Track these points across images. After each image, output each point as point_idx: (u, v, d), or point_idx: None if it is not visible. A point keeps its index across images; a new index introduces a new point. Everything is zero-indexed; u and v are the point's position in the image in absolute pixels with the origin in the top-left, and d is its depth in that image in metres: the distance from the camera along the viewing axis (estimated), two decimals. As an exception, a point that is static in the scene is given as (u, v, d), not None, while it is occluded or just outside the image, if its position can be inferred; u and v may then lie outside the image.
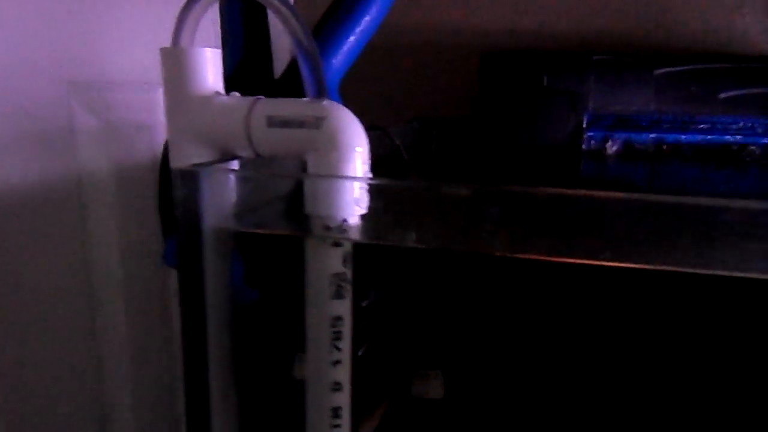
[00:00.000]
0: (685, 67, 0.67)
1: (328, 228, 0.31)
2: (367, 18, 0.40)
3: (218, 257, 0.32)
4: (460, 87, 0.87)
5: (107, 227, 0.70)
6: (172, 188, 0.34)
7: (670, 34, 0.82)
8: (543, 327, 0.54)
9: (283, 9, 0.31)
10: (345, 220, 0.31)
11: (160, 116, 0.77)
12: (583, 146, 0.68)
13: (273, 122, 0.32)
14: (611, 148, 0.69)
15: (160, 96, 0.77)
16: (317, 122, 0.31)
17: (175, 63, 0.33)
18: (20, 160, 0.57)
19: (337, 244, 0.32)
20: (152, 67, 0.74)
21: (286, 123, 0.31)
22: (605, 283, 0.50)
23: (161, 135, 0.77)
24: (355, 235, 0.32)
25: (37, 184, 0.60)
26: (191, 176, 0.31)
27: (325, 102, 0.32)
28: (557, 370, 0.53)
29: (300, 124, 0.31)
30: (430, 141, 0.79)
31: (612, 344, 0.52)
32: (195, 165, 0.32)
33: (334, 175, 0.30)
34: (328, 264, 0.32)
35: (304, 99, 0.32)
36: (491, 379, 0.57)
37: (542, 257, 0.31)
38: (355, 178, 0.31)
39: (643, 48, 0.82)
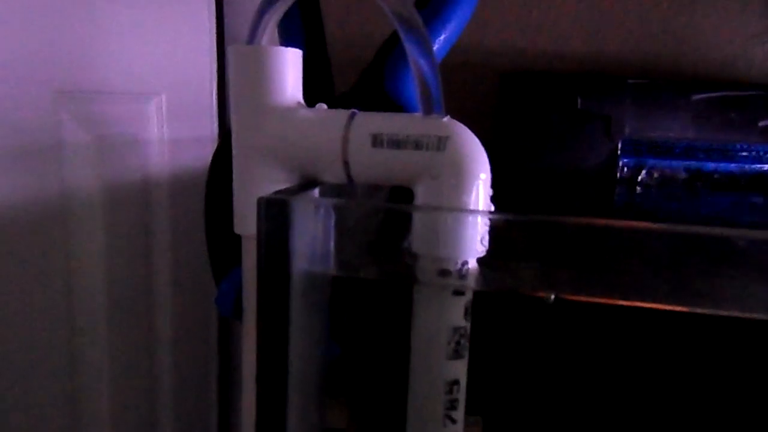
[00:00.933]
0: (723, 93, 0.64)
1: (446, 272, 0.25)
2: (442, 36, 0.34)
3: (308, 308, 0.25)
4: (477, 107, 0.83)
5: (93, 246, 0.62)
6: (225, 221, 0.28)
7: (690, 59, 0.80)
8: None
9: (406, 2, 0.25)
10: (466, 263, 0.25)
11: (153, 129, 0.69)
12: (618, 173, 0.65)
13: (379, 141, 0.26)
14: (645, 175, 0.65)
15: (153, 108, 0.70)
16: (439, 143, 0.25)
17: (250, 64, 0.27)
18: (3, 174, 0.49)
19: (458, 292, 0.26)
20: (145, 77, 0.67)
21: (397, 143, 0.25)
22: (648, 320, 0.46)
23: (154, 149, 0.70)
24: (474, 280, 0.26)
25: (21, 199, 0.52)
26: (280, 207, 0.24)
27: (446, 118, 0.26)
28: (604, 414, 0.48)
29: (416, 144, 0.25)
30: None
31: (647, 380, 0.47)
32: (282, 193, 0.25)
33: (467, 209, 0.24)
34: (446, 316, 0.26)
35: (417, 114, 0.26)
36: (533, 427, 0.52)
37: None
38: (487, 213, 0.25)
39: (665, 72, 0.79)
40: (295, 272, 0.25)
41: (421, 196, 0.26)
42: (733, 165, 0.64)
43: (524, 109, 0.68)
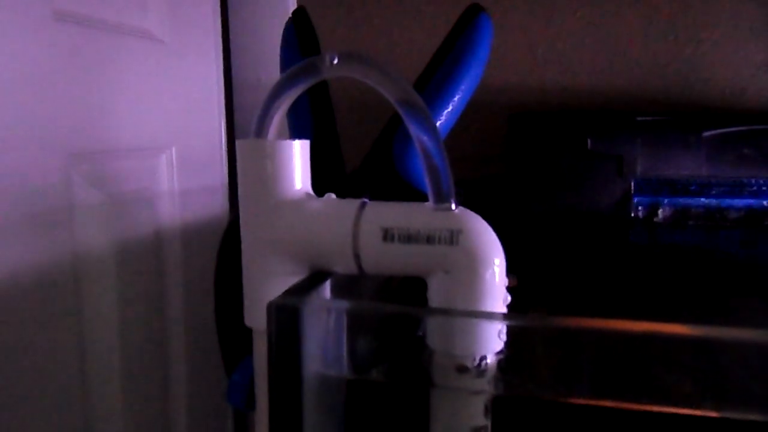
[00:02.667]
0: (734, 129, 0.63)
1: (463, 369, 0.25)
2: (459, 94, 0.34)
3: (323, 409, 0.25)
4: (484, 146, 0.82)
5: (106, 304, 0.62)
6: (235, 311, 0.27)
7: (697, 91, 0.79)
8: None
9: (400, 81, 0.24)
10: (484, 358, 0.25)
11: (163, 184, 0.69)
12: (632, 213, 0.64)
13: (390, 236, 0.25)
14: (661, 214, 0.64)
15: (162, 163, 0.70)
16: (452, 237, 0.24)
17: (259, 159, 0.27)
18: (17, 238, 0.50)
19: (477, 391, 0.25)
20: (155, 132, 0.68)
21: (408, 238, 0.25)
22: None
23: (164, 205, 0.70)
24: (493, 376, 0.25)
25: (34, 262, 0.52)
26: (289, 312, 0.24)
27: (458, 210, 0.25)
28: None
29: (428, 239, 0.25)
30: (460, 204, 0.73)
31: None
32: (292, 295, 0.25)
33: (481, 312, 0.24)
34: (466, 416, 0.25)
35: (427, 204, 0.26)
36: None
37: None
38: (505, 315, 0.24)
39: (673, 105, 0.79)
40: (307, 375, 0.24)
41: (434, 289, 0.25)
42: (749, 200, 0.63)
43: (534, 149, 0.67)
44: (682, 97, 0.79)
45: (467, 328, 0.24)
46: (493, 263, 0.25)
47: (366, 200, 0.27)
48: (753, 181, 0.63)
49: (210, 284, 0.44)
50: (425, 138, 0.24)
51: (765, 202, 0.63)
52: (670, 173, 0.63)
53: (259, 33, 0.87)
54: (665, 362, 0.21)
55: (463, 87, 0.34)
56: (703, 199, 0.64)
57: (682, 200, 0.64)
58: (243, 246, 0.28)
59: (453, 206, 0.26)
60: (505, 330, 0.25)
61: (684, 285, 0.61)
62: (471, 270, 0.24)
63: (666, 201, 0.64)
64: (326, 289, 0.27)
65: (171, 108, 0.70)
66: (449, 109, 0.34)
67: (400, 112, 0.25)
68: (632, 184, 0.64)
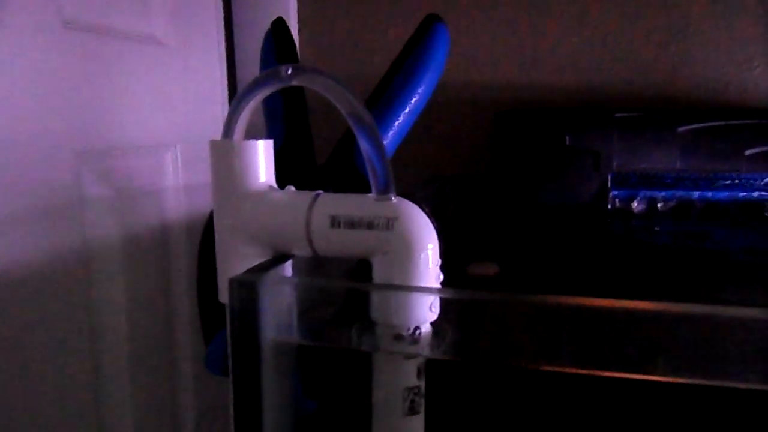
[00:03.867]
0: (708, 124, 0.66)
1: (399, 337, 0.29)
2: (415, 98, 0.38)
3: (278, 371, 0.29)
4: (472, 143, 0.86)
5: (115, 294, 0.67)
6: (212, 289, 0.32)
7: (682, 87, 0.81)
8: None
9: (346, 93, 0.28)
10: (418, 328, 0.29)
11: (168, 180, 0.74)
12: (608, 205, 0.67)
13: (337, 222, 0.29)
14: (637, 206, 0.67)
15: (169, 158, 0.75)
16: (388, 223, 0.28)
17: (226, 156, 0.31)
18: (30, 233, 0.54)
19: (410, 356, 0.29)
20: (161, 130, 0.72)
21: (352, 224, 0.29)
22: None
23: (170, 199, 0.74)
24: (427, 343, 0.29)
25: (45, 255, 0.56)
26: (249, 286, 0.28)
27: (395, 200, 0.29)
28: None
29: (369, 225, 0.29)
30: (446, 200, 0.77)
31: None
32: (252, 272, 0.29)
33: (410, 286, 0.28)
34: (401, 377, 0.29)
35: (370, 195, 0.30)
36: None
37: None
38: (432, 289, 0.28)
39: (657, 101, 0.81)
40: (265, 341, 0.28)
41: (376, 268, 0.29)
42: (722, 194, 0.66)
43: (517, 145, 0.71)
44: (667, 93, 0.82)
45: (402, 302, 0.28)
46: (426, 246, 0.29)
47: (320, 192, 0.31)
48: (726, 175, 0.66)
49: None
50: (367, 145, 0.28)
51: (738, 195, 0.66)
52: (646, 167, 0.67)
53: (261, 34, 0.91)
54: (582, 329, 0.25)
55: (419, 91, 0.38)
56: (677, 192, 0.67)
57: (657, 193, 0.67)
58: (216, 232, 0.32)
59: (392, 198, 0.29)
60: (437, 303, 0.29)
61: (657, 273, 0.64)
62: (405, 252, 0.28)
63: (641, 194, 0.67)
64: (286, 268, 0.31)
65: (176, 107, 0.75)
66: (406, 111, 0.38)
67: (348, 121, 0.29)
68: (609, 178, 0.67)
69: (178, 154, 0.76)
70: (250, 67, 0.91)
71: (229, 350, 0.31)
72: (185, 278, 0.77)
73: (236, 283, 0.28)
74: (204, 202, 0.81)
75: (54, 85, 0.56)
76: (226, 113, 0.86)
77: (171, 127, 0.75)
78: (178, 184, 0.76)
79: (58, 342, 0.58)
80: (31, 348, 0.55)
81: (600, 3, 0.81)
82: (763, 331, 0.24)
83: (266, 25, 0.90)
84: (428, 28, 0.39)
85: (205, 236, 0.41)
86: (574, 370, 0.27)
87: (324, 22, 0.90)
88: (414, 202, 0.55)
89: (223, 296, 0.33)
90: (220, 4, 0.84)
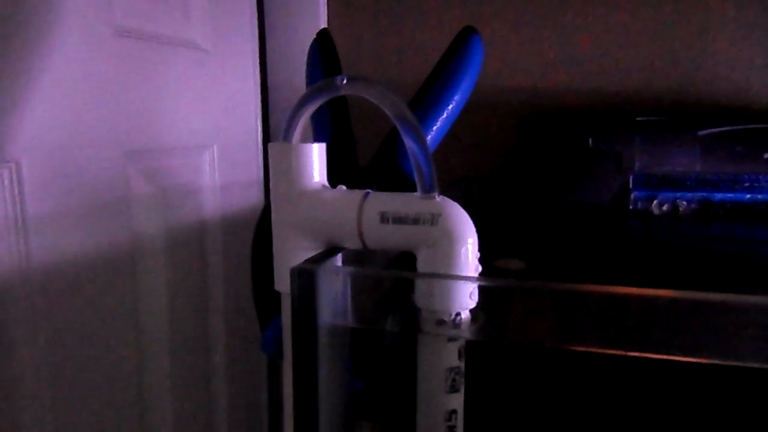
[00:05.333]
0: (728, 128, 0.68)
1: (442, 322, 0.32)
2: (452, 104, 0.41)
3: (333, 353, 0.32)
4: (498, 146, 0.89)
5: (158, 284, 0.71)
6: (267, 278, 0.35)
7: (704, 91, 0.83)
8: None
9: (395, 99, 0.31)
10: (459, 314, 0.32)
11: (207, 178, 0.78)
12: (630, 206, 0.69)
13: (386, 218, 0.32)
14: (658, 207, 0.69)
15: (206, 158, 0.79)
16: (433, 219, 0.31)
17: (285, 158, 0.34)
18: (83, 227, 0.58)
19: (452, 339, 0.32)
20: (199, 131, 0.76)
21: (399, 219, 0.32)
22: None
23: (208, 197, 0.78)
24: (468, 328, 0.32)
25: (96, 247, 0.60)
26: (308, 275, 0.31)
27: (438, 198, 0.32)
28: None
29: (415, 220, 0.32)
30: (472, 200, 0.80)
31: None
32: (310, 262, 0.32)
33: (452, 275, 0.31)
34: (444, 358, 0.32)
35: (416, 194, 0.33)
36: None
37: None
38: (472, 278, 0.31)
39: (680, 105, 0.83)
40: (321, 325, 0.31)
41: (420, 260, 0.32)
42: (742, 195, 0.68)
43: (542, 147, 0.73)
44: (687, 97, 0.84)
45: (445, 290, 0.31)
46: (467, 241, 0.32)
47: (369, 191, 0.34)
48: (745, 177, 0.68)
49: (246, 265, 0.52)
50: (414, 146, 0.31)
51: (757, 196, 0.68)
52: (667, 169, 0.69)
53: (292, 40, 0.95)
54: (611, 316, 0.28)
55: (456, 98, 0.41)
56: (697, 194, 0.69)
57: (677, 194, 0.69)
58: (273, 226, 0.35)
59: (436, 196, 0.32)
60: (476, 292, 0.32)
61: (677, 272, 0.66)
62: (448, 245, 0.31)
63: (662, 195, 0.69)
64: (338, 259, 0.34)
65: (213, 110, 0.79)
66: (443, 117, 0.41)
67: (396, 124, 0.32)
68: (630, 179, 0.69)
69: (215, 154, 0.80)
70: (282, 71, 0.95)
71: (286, 334, 0.34)
72: (220, 269, 0.81)
73: (297, 272, 0.31)
74: (238, 200, 0.85)
75: (105, 89, 0.60)
76: (259, 115, 0.90)
77: (209, 129, 0.78)
78: (214, 182, 0.80)
79: (106, 327, 0.62)
80: (82, 332, 0.59)
81: (622, 7, 0.84)
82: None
83: (297, 31, 0.93)
84: (465, 39, 0.42)
85: (258, 230, 0.44)
86: (594, 350, 0.29)
87: (352, 29, 0.93)
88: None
89: (279, 284, 0.36)
90: (255, 11, 0.87)
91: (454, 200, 0.67)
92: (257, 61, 0.88)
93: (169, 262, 0.72)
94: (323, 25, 0.94)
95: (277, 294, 0.36)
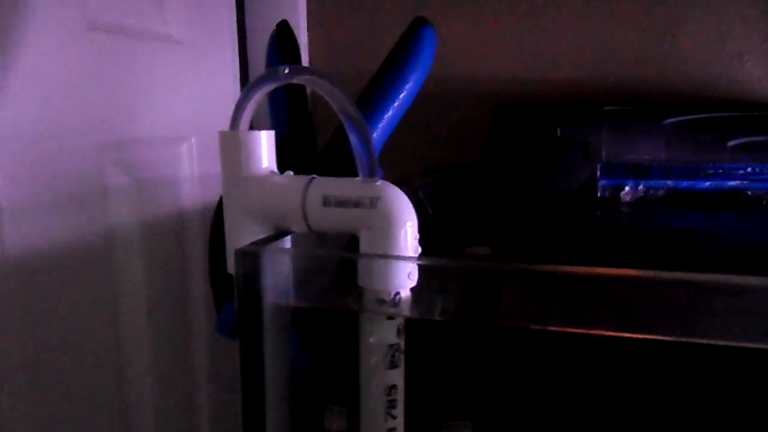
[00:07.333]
0: (693, 117, 0.69)
1: (382, 301, 0.33)
2: (403, 93, 0.42)
3: (277, 331, 0.34)
4: (470, 136, 0.90)
5: (135, 276, 0.72)
6: (222, 262, 0.36)
7: (674, 82, 0.85)
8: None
9: (336, 90, 0.33)
10: (398, 293, 0.33)
11: (185, 169, 0.79)
12: (598, 194, 0.71)
13: (328, 202, 0.34)
14: (625, 195, 0.71)
15: (185, 150, 0.80)
16: (372, 202, 0.33)
17: (233, 145, 0.35)
18: (58, 219, 0.59)
19: (391, 317, 0.33)
20: (177, 123, 0.77)
21: (341, 203, 0.33)
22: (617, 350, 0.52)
23: (187, 189, 0.79)
24: (407, 307, 0.33)
25: (71, 239, 0.61)
26: (252, 256, 0.33)
27: (379, 182, 0.34)
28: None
29: (355, 204, 0.33)
30: (447, 189, 0.81)
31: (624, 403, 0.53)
32: (255, 244, 0.33)
33: (390, 255, 0.32)
34: (384, 336, 0.34)
35: (357, 179, 0.34)
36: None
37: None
38: (408, 258, 0.32)
39: (650, 95, 0.85)
40: (266, 304, 0.33)
41: (362, 242, 0.34)
42: (706, 183, 0.69)
43: (512, 137, 0.75)
44: (659, 88, 0.85)
45: (384, 270, 0.33)
46: (405, 223, 0.33)
47: (314, 176, 0.35)
48: (711, 165, 0.70)
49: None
50: (354, 135, 0.33)
51: (721, 184, 0.70)
52: (633, 158, 0.70)
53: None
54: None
55: (407, 87, 0.42)
56: (663, 181, 0.70)
57: (644, 182, 0.71)
58: (224, 212, 0.37)
59: (377, 181, 0.34)
60: (415, 272, 0.33)
61: (643, 258, 0.67)
62: (386, 227, 0.33)
63: (629, 183, 0.71)
64: (286, 242, 0.36)
65: (191, 102, 0.80)
66: (395, 105, 0.42)
67: (338, 114, 0.33)
68: (598, 168, 0.71)
69: (194, 146, 0.81)
70: (263, 64, 0.96)
71: (236, 312, 0.35)
72: (199, 261, 0.83)
73: (241, 254, 0.32)
74: (217, 191, 0.86)
75: (78, 82, 0.61)
76: (237, 107, 0.90)
77: (186, 121, 0.80)
78: (193, 174, 0.81)
79: (84, 319, 0.63)
80: (59, 323, 0.60)
81: None
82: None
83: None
84: (415, 29, 0.43)
85: (215, 217, 0.46)
86: (530, 326, 0.31)
87: (332, 22, 0.94)
88: (410, 189, 0.60)
89: (232, 268, 0.37)
90: (233, 4, 0.88)
91: (425, 189, 0.68)
92: (236, 53, 0.89)
93: (146, 254, 0.73)
94: (303, 16, 0.95)
95: (231, 277, 0.38)
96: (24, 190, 0.56)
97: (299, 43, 0.52)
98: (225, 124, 0.87)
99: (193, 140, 0.81)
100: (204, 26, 0.82)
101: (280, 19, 0.49)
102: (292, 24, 0.53)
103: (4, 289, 0.54)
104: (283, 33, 0.49)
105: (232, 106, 0.90)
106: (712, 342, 0.30)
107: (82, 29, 0.61)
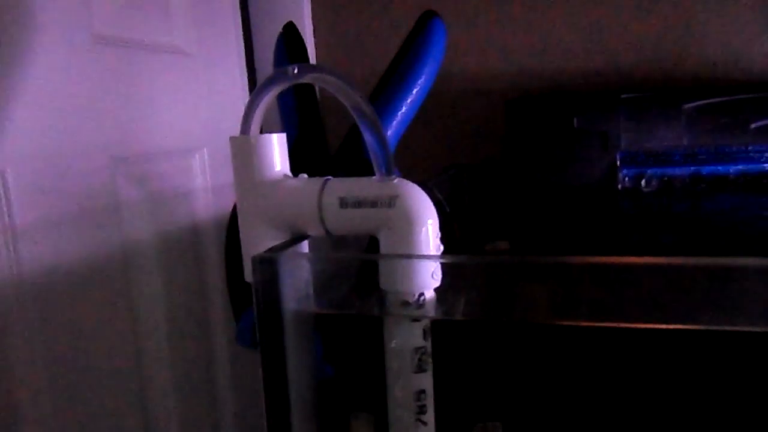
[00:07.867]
0: (713, 100, 0.68)
1: (406, 303, 0.32)
2: (416, 88, 0.41)
3: (299, 339, 0.33)
4: (486, 131, 0.89)
5: (153, 288, 0.71)
6: (239, 271, 0.35)
7: (693, 65, 0.83)
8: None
9: (347, 87, 0.32)
10: (422, 294, 0.32)
11: (198, 180, 0.79)
12: (619, 184, 0.69)
13: (345, 203, 0.33)
14: (647, 184, 0.69)
15: (197, 161, 0.79)
16: (390, 201, 0.32)
17: (245, 150, 0.35)
18: (73, 234, 0.59)
19: (416, 319, 0.32)
20: (189, 134, 0.77)
21: (358, 203, 0.32)
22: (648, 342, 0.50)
23: (199, 199, 0.79)
24: (432, 308, 0.32)
25: (87, 254, 0.61)
26: (270, 262, 0.31)
27: (396, 180, 0.33)
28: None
29: (373, 204, 0.32)
30: (462, 187, 0.80)
31: (656, 397, 0.52)
32: (272, 251, 0.32)
33: (412, 254, 0.31)
34: (409, 339, 0.32)
35: (374, 177, 0.33)
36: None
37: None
38: (431, 257, 0.31)
39: (669, 81, 0.83)
40: (286, 312, 0.32)
41: (382, 243, 0.33)
42: (728, 167, 0.67)
43: (528, 131, 0.73)
44: (676, 74, 0.83)
45: (406, 270, 0.32)
46: (425, 221, 0.32)
47: (329, 178, 0.34)
48: (734, 148, 0.68)
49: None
50: (368, 133, 0.32)
51: (745, 167, 0.68)
52: (653, 145, 0.68)
53: (278, 39, 0.95)
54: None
55: (419, 83, 0.41)
56: (684, 168, 0.68)
57: (665, 170, 0.69)
58: (239, 219, 0.36)
59: (394, 179, 0.33)
60: (439, 271, 0.32)
61: (668, 248, 0.66)
62: (406, 226, 0.32)
63: (650, 171, 0.69)
64: (303, 247, 0.35)
65: (201, 112, 0.79)
66: (408, 101, 0.41)
67: (351, 112, 0.32)
68: (617, 157, 0.69)
69: (205, 157, 0.81)
70: (269, 69, 0.95)
71: (256, 322, 0.34)
72: (216, 271, 0.82)
73: (258, 261, 0.31)
74: (230, 201, 0.85)
75: (87, 97, 0.61)
76: (247, 115, 0.90)
77: (197, 131, 0.79)
78: (206, 184, 0.81)
79: (103, 334, 0.63)
80: (79, 336, 0.60)
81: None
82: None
83: (282, 30, 0.94)
84: (425, 23, 0.42)
85: (230, 225, 0.45)
86: (560, 323, 0.30)
87: (337, 23, 0.93)
88: (427, 187, 0.59)
89: (249, 276, 0.36)
90: (238, 13, 0.88)
91: (441, 187, 0.67)
92: (243, 62, 0.89)
93: (163, 266, 0.73)
94: (308, 19, 0.94)
95: (249, 286, 0.37)
96: (37, 207, 0.55)
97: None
98: (236, 133, 0.87)
99: (205, 150, 0.81)
100: (210, 35, 0.81)
101: (287, 21, 0.48)
102: (298, 27, 0.52)
103: (22, 308, 0.54)
104: (290, 34, 0.48)
105: (242, 115, 0.90)
106: (746, 330, 0.29)
107: (89, 43, 0.61)
